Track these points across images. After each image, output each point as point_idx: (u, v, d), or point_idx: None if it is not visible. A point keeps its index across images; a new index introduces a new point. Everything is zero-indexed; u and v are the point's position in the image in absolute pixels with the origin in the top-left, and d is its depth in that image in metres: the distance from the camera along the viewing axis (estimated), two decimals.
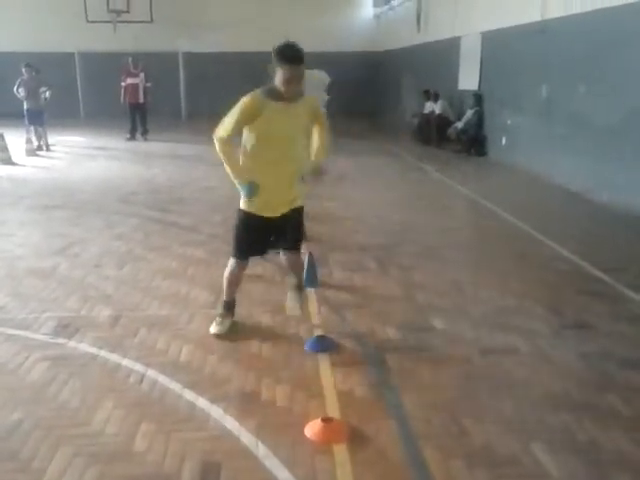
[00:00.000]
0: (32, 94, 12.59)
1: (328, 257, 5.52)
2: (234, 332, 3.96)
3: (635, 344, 3.92)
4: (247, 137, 3.62)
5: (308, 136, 3.78)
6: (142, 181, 9.55)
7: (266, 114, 3.49)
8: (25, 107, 12.66)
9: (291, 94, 3.51)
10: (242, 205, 3.75)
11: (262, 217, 3.70)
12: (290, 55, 3.45)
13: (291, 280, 4.19)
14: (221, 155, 3.62)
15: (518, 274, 5.24)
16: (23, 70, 12.65)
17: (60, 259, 5.54)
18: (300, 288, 4.12)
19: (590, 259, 5.50)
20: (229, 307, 4.06)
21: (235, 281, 3.99)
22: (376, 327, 4.10)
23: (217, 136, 3.58)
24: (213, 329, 3.96)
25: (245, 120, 3.52)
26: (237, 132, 3.58)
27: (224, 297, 4.06)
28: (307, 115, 3.67)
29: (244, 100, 3.53)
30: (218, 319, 4.01)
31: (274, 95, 3.50)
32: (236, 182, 3.64)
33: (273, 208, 3.70)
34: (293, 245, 3.95)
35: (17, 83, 12.64)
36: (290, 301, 4.16)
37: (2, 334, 3.97)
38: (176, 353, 3.71)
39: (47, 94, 13.08)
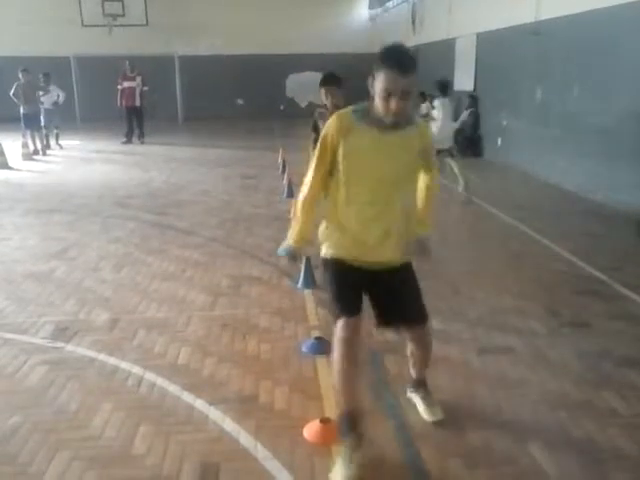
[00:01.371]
0: (29, 98, 12.61)
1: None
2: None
3: (632, 343, 3.93)
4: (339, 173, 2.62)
5: (414, 180, 2.76)
6: (139, 184, 9.55)
7: (352, 140, 2.53)
8: (22, 111, 12.68)
9: (393, 116, 2.46)
10: (323, 252, 2.79)
11: (352, 266, 2.70)
12: (395, 58, 2.41)
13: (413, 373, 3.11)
14: (297, 209, 2.78)
15: (515, 274, 5.25)
16: (20, 75, 12.67)
17: (57, 263, 5.54)
18: (425, 385, 3.12)
19: (586, 258, 5.52)
20: (353, 423, 2.62)
21: (353, 359, 2.63)
22: (373, 328, 4.10)
23: (301, 194, 2.73)
24: (338, 474, 2.52)
25: (328, 152, 2.59)
26: (323, 177, 2.66)
27: (342, 406, 2.68)
28: (416, 149, 2.63)
29: (327, 123, 2.62)
30: (344, 453, 2.56)
31: (369, 117, 2.53)
32: (288, 242, 2.80)
33: (366, 248, 2.66)
34: (414, 314, 2.83)
35: (14, 87, 12.65)
36: (425, 411, 3.03)
37: (0, 338, 3.97)
38: (174, 355, 3.71)
39: (60, 98, 13.17)
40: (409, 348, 2.99)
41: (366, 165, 2.56)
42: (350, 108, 2.59)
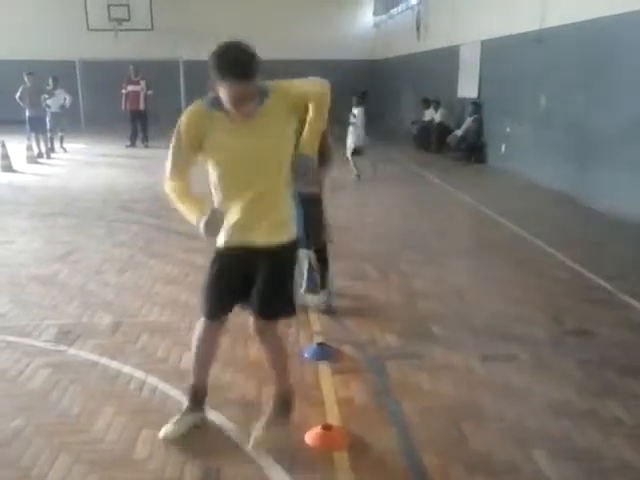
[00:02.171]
0: (34, 102, 12.67)
1: (329, 265, 5.51)
2: (193, 435, 2.91)
3: (636, 351, 3.92)
4: (209, 165, 2.72)
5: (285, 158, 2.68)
6: (143, 188, 9.56)
7: (214, 135, 2.56)
8: (27, 114, 12.73)
9: (245, 112, 2.47)
10: (218, 243, 2.79)
11: (236, 252, 2.70)
12: (233, 68, 2.34)
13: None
14: (170, 198, 2.79)
15: (518, 281, 5.24)
16: (25, 78, 12.73)
17: (61, 266, 5.54)
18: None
19: (590, 266, 5.51)
20: (196, 396, 2.97)
21: (205, 351, 2.92)
22: (376, 334, 4.10)
23: (164, 180, 2.78)
24: (163, 431, 2.87)
25: (187, 147, 2.64)
26: (182, 167, 2.75)
27: (192, 378, 2.97)
28: (282, 117, 2.58)
29: (181, 118, 2.63)
30: (176, 416, 2.93)
31: (221, 105, 2.50)
32: (194, 221, 2.65)
33: (250, 231, 2.67)
34: (266, 308, 2.75)
35: (19, 91, 12.71)
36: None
37: (3, 341, 3.97)
38: (177, 360, 3.71)
39: (67, 102, 13.25)
40: (260, 342, 2.96)
41: (235, 154, 2.60)
42: (199, 103, 2.66)
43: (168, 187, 2.75)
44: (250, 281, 2.73)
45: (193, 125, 2.58)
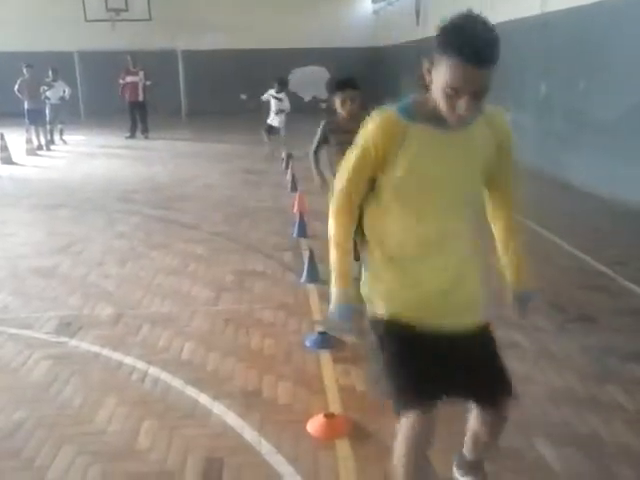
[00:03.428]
0: (33, 94, 12.62)
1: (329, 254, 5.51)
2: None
3: (637, 338, 3.91)
4: (374, 195, 1.96)
5: (482, 193, 2.17)
6: (143, 179, 9.55)
7: (409, 146, 1.82)
8: (26, 107, 12.69)
9: (461, 119, 1.75)
10: (374, 311, 2.01)
11: (415, 329, 1.95)
12: (473, 45, 1.64)
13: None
14: (331, 234, 2.00)
15: None
16: (24, 70, 12.68)
17: (62, 258, 5.54)
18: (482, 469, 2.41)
19: (592, 254, 5.50)
20: None
21: (421, 456, 2.06)
22: None
23: (332, 204, 2.00)
24: None
25: (371, 163, 1.87)
26: (358, 190, 1.94)
27: None
28: (490, 144, 1.96)
29: (367, 127, 1.87)
30: None
31: (423, 112, 1.83)
32: (338, 291, 1.98)
33: (433, 309, 1.97)
34: (492, 393, 2.09)
35: (18, 83, 12.66)
36: None
37: (4, 333, 3.98)
38: (178, 350, 3.71)
39: (66, 93, 13.22)
40: (474, 427, 2.25)
41: (428, 176, 1.86)
42: (392, 107, 1.86)
43: (338, 221, 1.97)
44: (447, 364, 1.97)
45: (387, 136, 1.82)
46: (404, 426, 1.98)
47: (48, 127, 13.17)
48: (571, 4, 8.58)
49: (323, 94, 20.72)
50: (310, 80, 19.41)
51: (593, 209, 7.38)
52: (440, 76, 1.71)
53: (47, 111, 13.05)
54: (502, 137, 2.01)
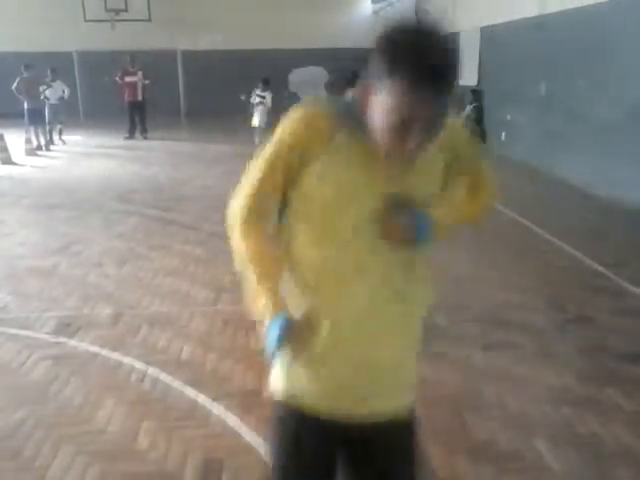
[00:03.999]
0: (32, 94, 12.62)
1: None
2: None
3: (636, 338, 3.92)
4: (291, 214, 1.49)
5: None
6: (141, 179, 9.54)
7: (333, 155, 1.40)
8: (25, 107, 12.66)
9: (410, 153, 1.33)
10: (276, 388, 1.61)
11: (321, 419, 1.49)
12: (429, 65, 1.24)
13: None
14: (240, 253, 1.57)
15: (519, 269, 5.23)
16: (23, 70, 12.67)
17: (61, 258, 5.54)
18: None
19: (591, 254, 5.50)
20: None
21: None
22: None
23: (231, 215, 1.57)
24: None
25: (288, 165, 1.43)
26: (270, 197, 1.50)
27: None
28: (441, 167, 1.48)
29: (292, 117, 1.43)
30: None
31: (359, 122, 1.38)
32: (265, 313, 1.41)
33: (350, 394, 1.49)
34: None
35: (16, 82, 12.64)
36: None
37: (4, 334, 3.97)
38: (177, 351, 3.71)
39: (65, 93, 13.23)
40: None
41: (358, 193, 1.41)
42: (323, 104, 1.46)
43: (241, 227, 1.52)
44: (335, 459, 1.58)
45: (306, 133, 1.40)
46: None
47: (47, 127, 13.16)
48: (569, 5, 8.59)
49: (322, 94, 20.77)
50: (310, 80, 19.40)
51: (592, 209, 7.38)
52: (385, 103, 1.29)
53: (46, 111, 13.05)
54: (457, 152, 1.50)
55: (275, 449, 1.61)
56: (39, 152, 12.51)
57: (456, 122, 1.54)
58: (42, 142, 12.93)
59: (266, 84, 11.81)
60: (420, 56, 1.24)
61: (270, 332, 1.36)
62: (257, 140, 11.55)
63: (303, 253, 1.46)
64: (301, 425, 1.52)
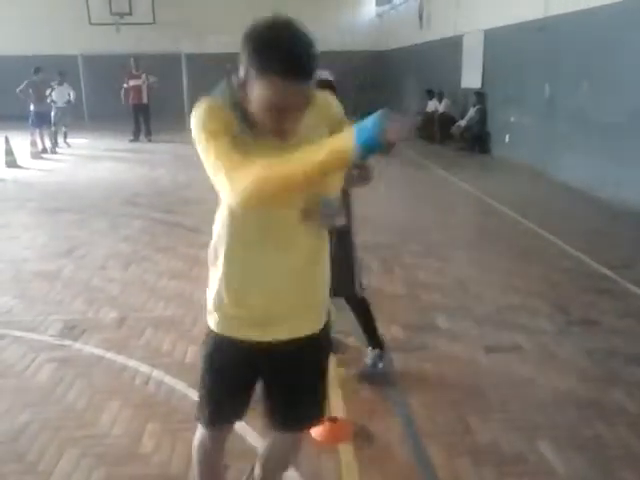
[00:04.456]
0: (41, 97, 12.69)
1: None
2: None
3: None
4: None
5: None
6: (146, 182, 9.57)
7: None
8: (32, 109, 12.71)
9: (288, 132, 1.58)
10: (209, 317, 1.93)
11: (242, 343, 1.81)
12: (295, 60, 1.47)
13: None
14: (271, 183, 1.44)
15: (522, 271, 5.23)
16: (33, 73, 12.75)
17: (66, 261, 5.56)
18: None
19: (595, 256, 5.49)
20: None
21: (208, 463, 2.11)
22: (380, 326, 4.09)
23: (237, 188, 1.48)
24: None
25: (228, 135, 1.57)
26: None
27: None
28: (326, 135, 1.62)
29: (199, 112, 1.62)
30: None
31: (248, 120, 1.59)
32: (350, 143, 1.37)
33: (267, 320, 1.79)
34: (303, 418, 1.97)
35: (23, 84, 12.66)
36: None
37: (9, 336, 3.99)
38: (182, 354, 3.72)
39: (72, 96, 13.32)
40: (268, 451, 2.17)
41: None
42: (216, 100, 1.63)
43: (258, 173, 1.44)
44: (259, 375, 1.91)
45: (220, 118, 1.59)
46: (198, 437, 2.07)
47: (53, 129, 13.23)
48: (572, 8, 8.58)
49: None
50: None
51: (596, 211, 7.37)
52: (259, 94, 1.50)
53: (52, 114, 13.12)
54: (328, 111, 1.73)
55: (205, 374, 1.96)
56: (44, 155, 12.56)
57: (324, 95, 1.73)
58: (48, 145, 12.98)
59: None
60: (287, 53, 1.45)
61: (375, 124, 1.33)
62: None
63: (226, 223, 1.76)
64: (228, 350, 1.85)
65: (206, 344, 1.94)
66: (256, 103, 1.53)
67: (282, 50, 1.47)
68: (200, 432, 2.06)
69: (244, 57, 1.55)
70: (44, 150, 12.80)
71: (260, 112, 1.54)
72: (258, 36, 1.53)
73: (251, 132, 1.59)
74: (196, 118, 1.60)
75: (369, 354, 3.45)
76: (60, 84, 13.32)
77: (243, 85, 1.56)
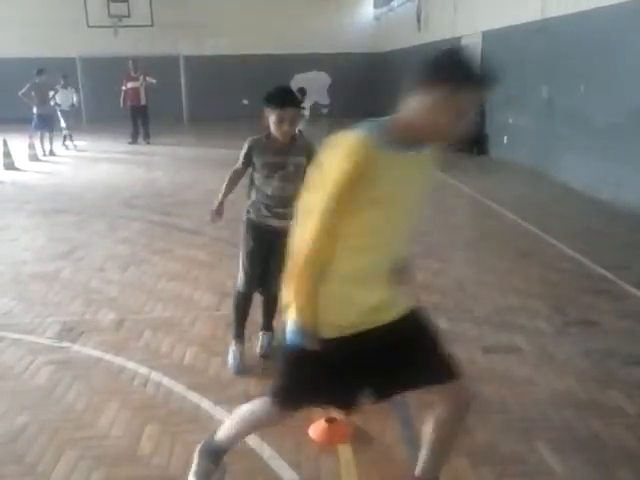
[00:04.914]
0: (44, 99, 12.71)
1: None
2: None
3: (639, 341, 3.92)
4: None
5: None
6: (145, 184, 9.58)
7: (384, 176, 1.82)
8: (35, 112, 12.71)
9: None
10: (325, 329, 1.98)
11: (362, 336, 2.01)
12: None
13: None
14: (303, 281, 1.91)
15: (521, 272, 5.23)
16: (35, 75, 12.77)
17: (64, 263, 5.56)
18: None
19: (593, 257, 5.50)
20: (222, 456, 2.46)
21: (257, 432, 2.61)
22: None
23: (307, 259, 1.86)
24: None
25: (349, 199, 1.80)
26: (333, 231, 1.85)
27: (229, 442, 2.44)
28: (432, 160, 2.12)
29: (341, 157, 1.79)
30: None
31: (391, 138, 1.84)
32: (297, 318, 1.96)
33: (385, 306, 2.04)
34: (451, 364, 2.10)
35: (26, 87, 12.65)
36: None
37: (7, 338, 3.99)
38: (180, 355, 3.72)
39: (75, 99, 13.39)
40: (436, 425, 2.18)
41: (402, 196, 1.92)
42: (362, 131, 1.82)
43: (313, 262, 1.87)
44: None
45: (360, 155, 1.77)
46: (263, 409, 2.25)
47: (64, 133, 13.39)
48: (570, 10, 8.60)
49: (324, 99, 20.80)
50: (312, 85, 19.45)
51: (595, 212, 7.38)
52: (453, 106, 1.81)
53: (60, 117, 13.21)
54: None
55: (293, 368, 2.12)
56: (44, 158, 12.55)
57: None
58: (52, 147, 13.02)
59: (303, 94, 10.91)
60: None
61: (296, 333, 1.95)
62: None
63: (365, 242, 1.94)
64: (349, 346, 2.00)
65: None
66: (443, 117, 1.82)
67: (476, 70, 1.82)
68: (267, 408, 2.23)
69: (431, 86, 1.84)
70: (51, 152, 12.85)
71: (445, 124, 1.85)
72: (458, 65, 1.83)
73: (398, 150, 1.84)
74: (336, 151, 1.81)
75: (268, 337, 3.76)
76: (65, 87, 13.38)
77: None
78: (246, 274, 3.60)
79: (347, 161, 1.76)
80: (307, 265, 1.87)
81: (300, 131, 10.56)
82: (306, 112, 10.94)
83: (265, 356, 3.70)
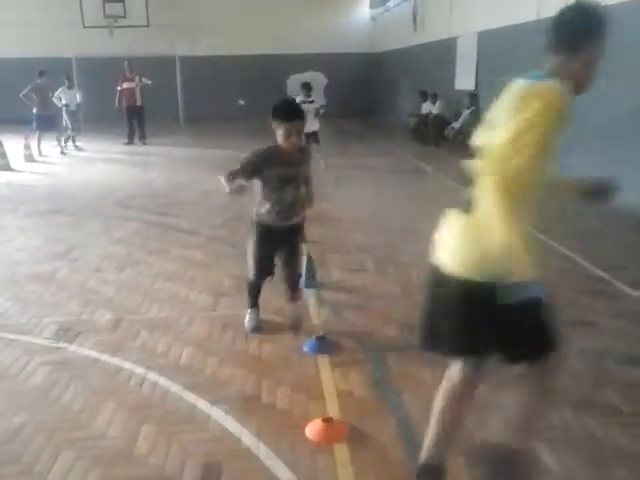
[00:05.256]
0: (46, 100, 12.70)
1: (327, 258, 5.54)
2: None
3: (635, 341, 3.93)
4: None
5: None
6: (141, 185, 9.57)
7: (569, 120, 2.13)
8: (35, 113, 12.69)
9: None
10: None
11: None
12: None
13: None
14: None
15: None
16: (37, 76, 12.79)
17: (60, 264, 5.55)
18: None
19: (590, 257, 5.52)
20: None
21: (458, 414, 2.58)
22: (375, 327, 4.11)
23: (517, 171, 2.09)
24: None
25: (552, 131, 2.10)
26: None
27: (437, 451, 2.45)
28: None
29: (549, 95, 2.09)
30: None
31: (567, 89, 2.17)
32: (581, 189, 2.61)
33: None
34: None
35: (27, 89, 12.64)
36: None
37: (3, 339, 3.98)
38: (177, 355, 3.72)
39: (79, 98, 13.44)
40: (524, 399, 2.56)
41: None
42: (556, 82, 2.16)
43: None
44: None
45: (567, 110, 2.10)
46: (458, 373, 2.52)
47: (70, 133, 13.43)
48: None
49: (321, 100, 20.78)
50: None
51: (594, 212, 7.39)
52: (599, 55, 2.23)
53: (67, 118, 13.30)
54: None
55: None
56: (40, 158, 12.53)
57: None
58: (62, 146, 13.07)
59: (309, 89, 10.68)
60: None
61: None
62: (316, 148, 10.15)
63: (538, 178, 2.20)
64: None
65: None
66: (595, 64, 2.24)
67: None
68: (455, 378, 2.53)
69: (591, 42, 2.24)
70: (62, 152, 12.93)
71: (594, 72, 2.24)
72: (603, 22, 2.25)
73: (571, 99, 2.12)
74: (542, 97, 2.08)
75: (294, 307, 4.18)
76: (69, 87, 13.40)
77: (582, 64, 2.25)
78: (257, 268, 3.93)
79: (558, 103, 2.06)
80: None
81: (315, 132, 10.40)
82: (315, 105, 10.37)
83: (295, 327, 4.04)
